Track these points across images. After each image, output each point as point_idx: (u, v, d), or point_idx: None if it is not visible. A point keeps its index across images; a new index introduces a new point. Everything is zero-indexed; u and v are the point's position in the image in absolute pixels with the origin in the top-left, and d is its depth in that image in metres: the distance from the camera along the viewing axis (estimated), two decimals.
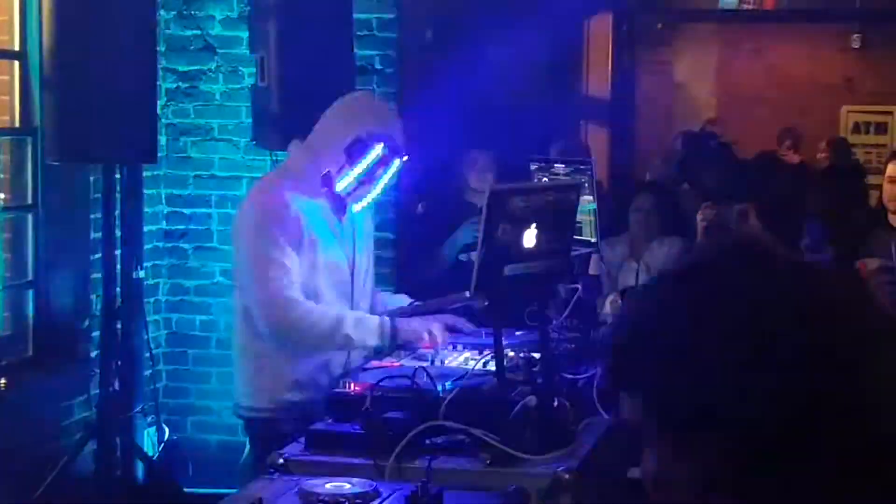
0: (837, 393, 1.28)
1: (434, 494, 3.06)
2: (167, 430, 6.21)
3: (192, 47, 6.56)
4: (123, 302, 5.58)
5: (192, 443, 6.51)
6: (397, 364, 3.98)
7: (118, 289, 5.52)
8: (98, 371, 5.38)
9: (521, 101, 8.16)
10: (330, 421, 3.65)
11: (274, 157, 5.57)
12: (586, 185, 4.67)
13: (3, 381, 5.33)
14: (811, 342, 1.29)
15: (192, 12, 6.56)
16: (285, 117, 5.06)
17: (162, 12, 6.32)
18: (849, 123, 13.86)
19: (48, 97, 5.01)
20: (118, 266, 5.55)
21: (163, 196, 6.61)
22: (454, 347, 4.20)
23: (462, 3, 7.76)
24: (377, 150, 4.07)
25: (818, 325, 1.30)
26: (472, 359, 4.02)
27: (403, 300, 4.46)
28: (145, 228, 6.13)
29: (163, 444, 6.10)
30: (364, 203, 4.21)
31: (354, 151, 4.07)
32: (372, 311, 4.31)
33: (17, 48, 5.60)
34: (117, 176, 5.49)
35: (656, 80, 14.23)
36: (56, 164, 5.27)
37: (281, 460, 3.46)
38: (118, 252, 5.54)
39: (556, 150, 7.10)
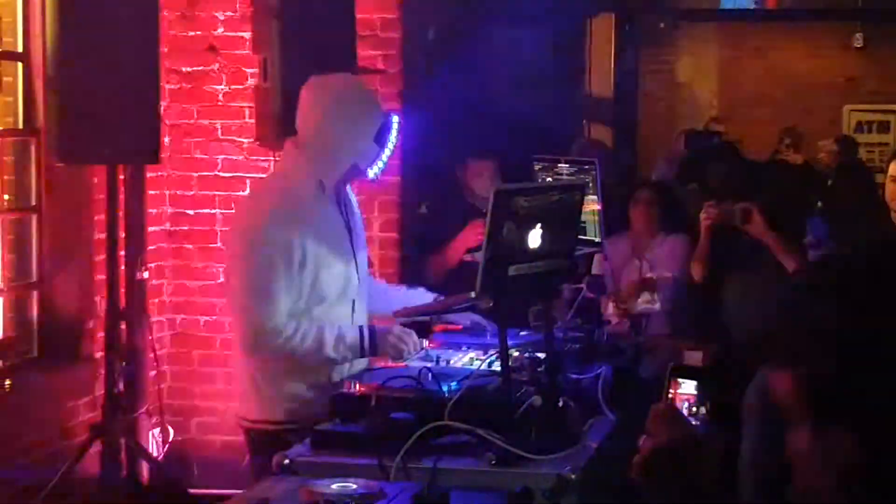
0: None
1: (440, 494, 3.06)
2: (172, 430, 6.21)
3: (194, 48, 6.57)
4: (127, 303, 5.58)
5: (197, 443, 6.52)
6: (402, 365, 3.98)
7: (122, 290, 5.52)
8: (103, 372, 5.38)
9: (523, 100, 8.15)
10: (335, 422, 3.64)
11: (277, 158, 5.57)
12: (590, 184, 4.66)
13: (7, 382, 5.34)
14: None
15: (195, 13, 6.56)
16: (288, 117, 5.05)
17: (165, 13, 6.32)
18: (851, 122, 13.85)
19: (51, 98, 5.02)
20: (122, 267, 5.56)
21: (166, 196, 6.61)
22: (459, 348, 4.20)
23: (464, 3, 7.75)
24: (395, 121, 4.20)
25: None
26: (476, 359, 4.02)
27: (424, 296, 4.44)
28: (149, 229, 6.14)
29: (167, 445, 6.10)
30: (378, 166, 4.26)
31: (382, 136, 4.15)
32: (389, 307, 4.33)
33: (20, 50, 5.60)
34: (121, 177, 5.49)
35: (659, 80, 14.23)
36: (59, 165, 5.27)
37: (286, 461, 3.46)
38: (122, 253, 5.54)
39: (577, 147, 7.10)
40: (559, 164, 4.96)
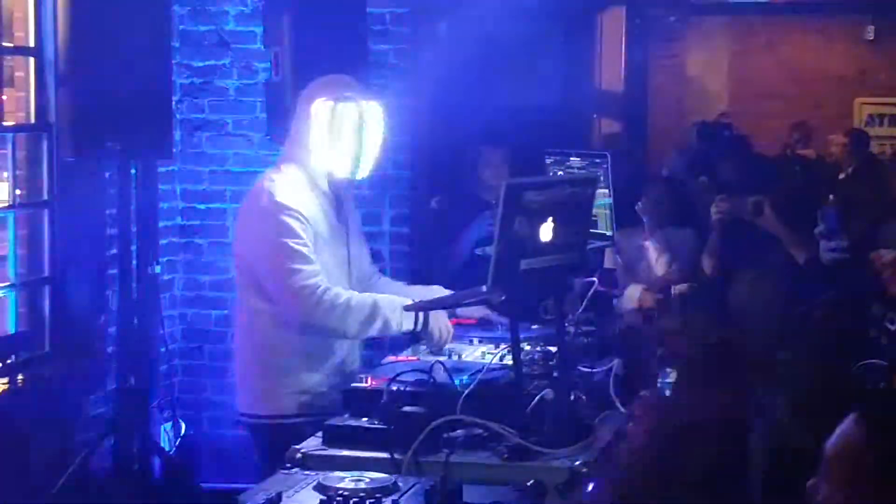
0: None
1: (452, 488, 3.07)
2: (183, 425, 6.22)
3: (206, 43, 6.57)
4: (139, 297, 5.59)
5: (209, 438, 6.53)
6: (414, 359, 3.98)
7: (134, 284, 5.53)
8: (114, 367, 5.39)
9: (534, 94, 8.15)
10: (347, 416, 3.65)
11: None
12: (601, 178, 4.66)
13: (20, 377, 5.35)
14: None
15: (206, 8, 6.57)
16: None
17: (176, 8, 6.33)
18: (863, 115, 13.82)
19: (63, 93, 5.02)
20: (134, 262, 5.56)
21: (178, 191, 6.62)
22: (471, 342, 4.21)
23: None
24: (326, 105, 4.10)
25: None
26: (488, 353, 4.02)
27: (440, 291, 4.46)
28: (160, 224, 6.15)
29: (179, 440, 6.11)
30: (368, 166, 4.22)
31: (330, 127, 4.11)
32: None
33: (31, 45, 5.60)
34: (132, 171, 5.50)
35: (669, 74, 14.22)
36: (71, 159, 5.28)
37: (299, 455, 3.47)
38: (134, 248, 5.55)
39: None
40: (571, 158, 4.96)
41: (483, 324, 4.43)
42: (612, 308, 4.94)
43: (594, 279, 4.37)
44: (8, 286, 5.54)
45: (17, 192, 5.60)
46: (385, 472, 3.20)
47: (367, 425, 3.54)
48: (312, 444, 3.56)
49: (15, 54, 5.66)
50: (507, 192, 3.47)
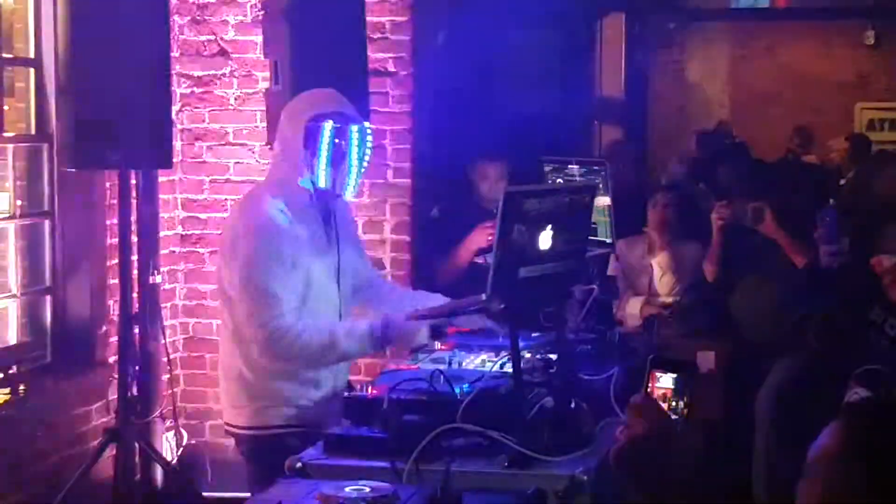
0: None
1: (453, 497, 3.06)
2: (185, 434, 6.22)
3: (206, 52, 6.58)
4: (140, 307, 5.59)
5: (211, 447, 6.52)
6: (415, 367, 3.98)
7: (135, 294, 5.53)
8: (116, 376, 5.39)
9: (534, 101, 8.16)
10: (347, 424, 3.65)
11: None
12: (601, 185, 4.66)
13: (21, 387, 5.36)
14: None
15: (206, 17, 6.58)
16: None
17: (175, 17, 6.34)
18: (863, 120, 13.83)
19: (63, 104, 5.03)
20: (135, 271, 5.57)
21: (178, 201, 6.63)
22: (471, 350, 4.21)
23: (475, 5, 7.76)
24: (327, 127, 4.06)
25: None
26: (488, 361, 4.02)
27: (440, 300, 4.46)
28: (161, 233, 6.15)
29: (181, 449, 6.11)
30: (352, 187, 4.20)
31: (309, 141, 4.07)
32: (401, 310, 4.38)
33: (31, 56, 5.62)
34: (133, 181, 5.51)
35: (669, 80, 14.23)
36: (71, 170, 5.28)
37: (299, 464, 3.46)
38: (134, 257, 5.56)
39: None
40: (570, 166, 4.96)
41: (481, 333, 4.42)
42: (612, 316, 4.93)
43: (594, 287, 4.37)
44: (9, 296, 5.55)
45: (18, 202, 5.61)
46: (386, 481, 3.20)
47: (368, 434, 3.53)
48: (313, 454, 3.56)
49: (15, 65, 5.67)
50: (506, 200, 3.48)
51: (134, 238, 5.58)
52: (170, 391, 6.04)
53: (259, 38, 5.88)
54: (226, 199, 6.59)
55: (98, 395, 5.75)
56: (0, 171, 5.61)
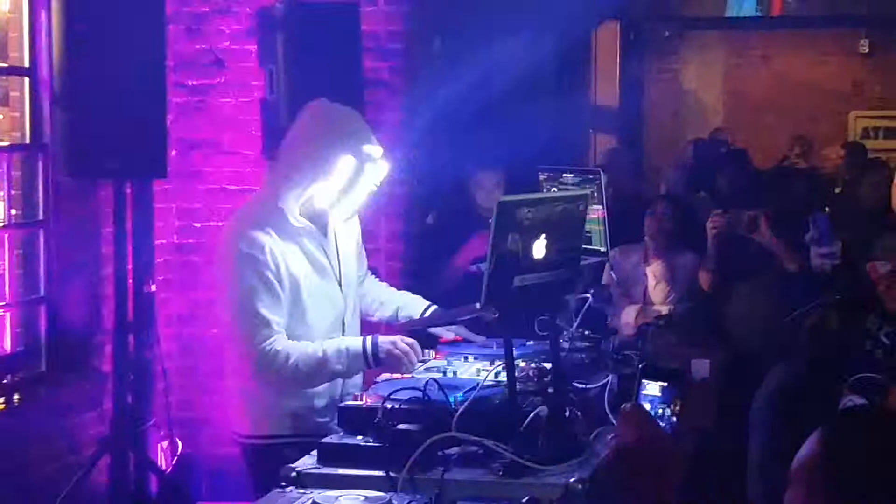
0: None
1: None
2: (180, 443, 6.21)
3: (201, 61, 6.59)
4: (135, 316, 5.59)
5: (205, 456, 6.51)
6: (409, 376, 3.98)
7: (130, 303, 5.53)
8: (111, 385, 5.39)
9: (529, 110, 8.16)
10: (342, 434, 3.65)
11: None
12: (595, 194, 4.67)
13: (16, 396, 5.35)
14: None
15: (201, 27, 6.58)
16: None
17: (171, 27, 6.34)
18: (857, 128, 13.85)
19: (58, 113, 5.03)
20: (129, 280, 5.57)
21: (173, 210, 6.63)
22: (465, 359, 4.21)
23: (469, 14, 7.77)
24: (348, 163, 4.05)
25: None
26: (483, 370, 4.02)
27: (422, 303, 4.49)
28: (156, 242, 6.15)
29: (176, 458, 6.10)
30: (347, 216, 4.21)
31: (326, 168, 4.05)
32: (385, 309, 4.45)
33: (26, 65, 5.62)
34: (128, 190, 5.51)
35: (664, 88, 14.25)
36: (66, 179, 5.29)
37: (294, 473, 3.46)
38: (129, 266, 5.55)
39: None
40: (564, 175, 4.96)
41: (462, 342, 4.43)
42: (606, 324, 4.94)
43: (588, 295, 4.38)
44: (3, 305, 5.55)
45: (13, 211, 5.61)
46: (380, 490, 3.21)
47: (362, 443, 3.54)
48: (308, 463, 3.56)
49: (10, 74, 5.67)
50: (500, 209, 3.48)
51: (129, 247, 5.57)
52: (164, 400, 6.03)
53: (254, 48, 5.88)
54: (221, 209, 6.59)
55: (93, 404, 5.74)
56: None
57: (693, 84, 14.42)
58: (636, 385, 2.38)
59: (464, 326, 4.39)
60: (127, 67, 4.98)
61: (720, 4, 13.85)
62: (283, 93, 5.17)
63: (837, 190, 9.75)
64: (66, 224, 5.72)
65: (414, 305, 4.53)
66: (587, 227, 4.28)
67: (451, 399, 3.61)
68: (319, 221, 4.19)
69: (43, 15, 5.47)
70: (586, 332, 4.40)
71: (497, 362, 3.96)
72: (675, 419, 2.31)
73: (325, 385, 4.13)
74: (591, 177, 4.87)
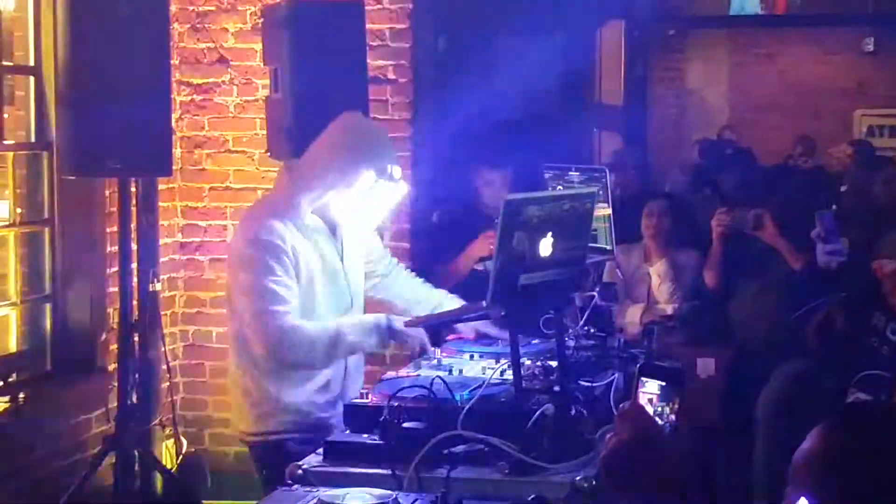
0: None
1: None
2: (185, 442, 6.21)
3: (205, 60, 6.59)
4: (140, 315, 5.59)
5: (210, 455, 6.52)
6: (414, 374, 3.98)
7: (135, 302, 5.53)
8: (116, 384, 5.39)
9: (534, 108, 8.16)
10: (347, 432, 3.65)
11: None
12: (601, 192, 4.66)
13: (21, 395, 5.35)
14: None
15: (206, 25, 6.58)
16: (299, 128, 5.06)
17: (175, 25, 6.35)
18: (862, 127, 13.84)
19: (63, 112, 5.03)
20: (134, 279, 5.57)
21: (178, 208, 6.63)
22: (471, 357, 4.21)
23: (474, 13, 7.77)
24: (368, 178, 4.06)
25: None
26: (489, 368, 4.02)
27: (445, 296, 4.52)
28: (161, 241, 6.15)
29: (181, 457, 6.10)
30: (363, 230, 4.27)
31: (348, 180, 4.07)
32: (401, 298, 4.46)
33: (31, 63, 5.62)
34: (132, 189, 5.50)
35: (668, 87, 14.25)
36: (71, 178, 5.28)
37: (300, 471, 3.46)
38: (134, 265, 5.55)
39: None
40: (570, 173, 4.96)
41: (481, 338, 4.44)
42: (612, 322, 4.93)
43: (594, 293, 4.37)
44: (9, 304, 5.55)
45: (18, 210, 5.61)
46: (386, 488, 3.20)
47: (368, 441, 3.53)
48: (314, 461, 3.55)
49: (15, 73, 5.67)
50: (507, 207, 3.48)
51: (133, 246, 5.57)
52: (169, 399, 6.03)
53: (259, 46, 5.88)
54: (225, 207, 6.60)
55: (98, 402, 5.74)
56: (0, 178, 5.62)
57: (697, 83, 14.42)
58: (635, 383, 2.37)
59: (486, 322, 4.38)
60: (131, 66, 4.97)
61: (724, 3, 13.85)
62: (287, 91, 5.17)
63: (843, 188, 9.73)
64: (71, 223, 5.72)
65: (450, 304, 4.52)
66: (593, 225, 4.27)
67: (457, 397, 3.61)
68: (330, 223, 4.20)
69: (48, 14, 5.47)
70: (592, 331, 4.40)
71: (503, 360, 3.96)
72: (674, 417, 2.30)
73: (325, 381, 4.13)
74: (596, 175, 4.87)
